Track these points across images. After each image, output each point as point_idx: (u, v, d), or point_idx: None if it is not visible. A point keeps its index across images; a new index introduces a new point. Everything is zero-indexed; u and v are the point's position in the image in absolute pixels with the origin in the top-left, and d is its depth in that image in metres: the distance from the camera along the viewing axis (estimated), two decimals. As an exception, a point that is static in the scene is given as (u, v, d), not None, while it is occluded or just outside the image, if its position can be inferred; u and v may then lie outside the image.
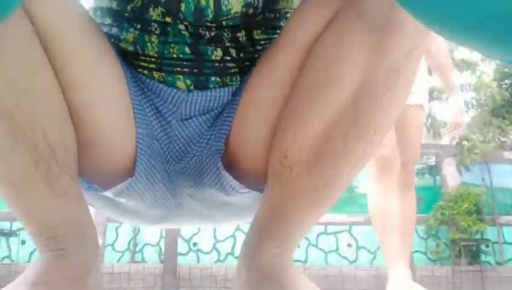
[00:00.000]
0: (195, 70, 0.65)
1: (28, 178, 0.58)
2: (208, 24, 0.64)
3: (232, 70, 0.67)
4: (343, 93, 0.56)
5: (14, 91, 0.50)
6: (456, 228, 7.94)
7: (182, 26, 0.65)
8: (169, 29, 0.65)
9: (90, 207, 0.80)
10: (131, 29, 0.66)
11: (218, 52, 0.66)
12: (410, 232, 1.99)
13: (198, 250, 7.81)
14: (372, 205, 1.87)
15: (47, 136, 0.54)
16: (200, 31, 0.65)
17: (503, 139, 9.69)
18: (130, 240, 7.93)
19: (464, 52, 8.08)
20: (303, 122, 0.57)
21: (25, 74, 0.51)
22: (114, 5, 0.67)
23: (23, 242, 7.82)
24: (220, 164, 0.65)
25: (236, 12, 0.65)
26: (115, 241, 7.94)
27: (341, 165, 0.58)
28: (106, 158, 0.64)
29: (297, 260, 7.85)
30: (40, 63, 0.52)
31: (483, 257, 7.96)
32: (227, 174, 0.65)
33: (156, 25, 0.64)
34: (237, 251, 7.86)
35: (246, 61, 0.68)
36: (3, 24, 0.44)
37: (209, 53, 0.65)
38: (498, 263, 8.02)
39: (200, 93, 0.65)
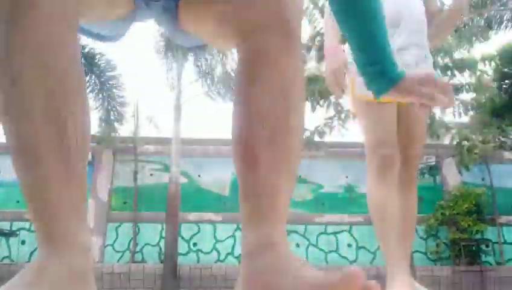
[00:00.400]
0: None
1: (52, 153, 0.61)
2: None
3: None
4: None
5: (51, 76, 0.61)
6: (456, 228, 7.94)
7: None
8: None
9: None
10: None
11: None
12: (411, 231, 1.94)
13: (198, 250, 7.82)
14: (372, 204, 1.82)
15: (74, 120, 0.62)
16: None
17: (503, 139, 9.70)
18: (130, 240, 7.93)
19: (463, 53, 8.08)
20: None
21: (62, 66, 0.63)
22: None
23: (23, 242, 7.83)
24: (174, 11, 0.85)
25: None
26: (115, 241, 7.94)
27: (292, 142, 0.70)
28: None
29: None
30: (72, 60, 0.65)
31: (483, 257, 7.96)
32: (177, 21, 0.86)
33: None
34: (237, 251, 7.87)
35: None
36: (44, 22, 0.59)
37: None
38: (498, 263, 8.02)
39: None
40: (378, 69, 0.95)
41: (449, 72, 7.66)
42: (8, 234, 7.59)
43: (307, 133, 7.90)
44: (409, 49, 1.76)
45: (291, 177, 0.70)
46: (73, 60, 0.65)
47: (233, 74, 8.50)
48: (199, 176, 8.40)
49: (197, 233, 7.96)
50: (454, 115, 7.96)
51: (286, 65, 0.73)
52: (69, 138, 0.61)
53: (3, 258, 7.64)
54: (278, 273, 0.57)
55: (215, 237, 7.89)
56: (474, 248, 7.91)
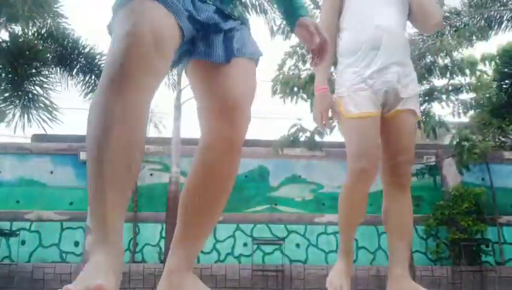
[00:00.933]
0: None
1: (119, 177, 0.99)
2: None
3: None
4: None
5: (129, 127, 1.00)
6: (456, 228, 7.94)
7: None
8: None
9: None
10: None
11: None
12: (409, 234, 2.04)
13: (198, 250, 7.82)
14: (342, 208, 2.01)
15: (138, 162, 1.03)
16: None
17: (503, 139, 9.69)
18: (130, 240, 7.93)
19: (463, 53, 8.08)
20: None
21: (141, 126, 1.05)
22: None
23: (23, 242, 7.83)
24: None
25: None
26: (115, 241, 7.93)
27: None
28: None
29: (297, 260, 7.86)
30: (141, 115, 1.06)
31: (483, 257, 7.96)
32: None
33: None
34: (237, 251, 7.88)
35: None
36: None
37: None
38: (498, 263, 8.02)
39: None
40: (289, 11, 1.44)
41: (449, 72, 7.65)
42: (8, 234, 7.59)
43: (307, 133, 7.90)
44: (390, 68, 1.91)
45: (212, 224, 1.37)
46: (145, 122, 1.06)
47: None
48: (199, 176, 8.41)
49: (197, 233, 7.96)
50: (454, 115, 7.95)
51: (228, 171, 1.33)
52: (131, 174, 1.02)
53: (3, 258, 7.64)
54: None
55: (215, 237, 7.89)
56: (474, 248, 7.91)
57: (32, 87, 7.32)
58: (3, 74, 7.20)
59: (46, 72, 7.58)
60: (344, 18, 2.05)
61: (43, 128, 7.24)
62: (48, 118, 7.28)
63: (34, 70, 7.33)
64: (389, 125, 1.96)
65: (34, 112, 7.21)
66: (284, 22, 1.84)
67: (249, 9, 8.22)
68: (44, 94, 7.33)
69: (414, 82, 2.00)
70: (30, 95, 7.18)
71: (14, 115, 7.14)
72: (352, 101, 1.91)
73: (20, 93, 7.09)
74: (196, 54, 1.26)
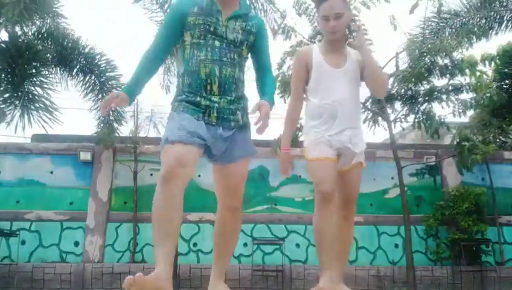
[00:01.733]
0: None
1: (171, 236, 1.92)
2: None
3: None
4: None
5: (176, 212, 1.94)
6: (456, 228, 7.94)
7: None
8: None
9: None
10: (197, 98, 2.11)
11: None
12: (346, 252, 2.70)
13: (198, 250, 7.82)
14: (315, 228, 2.43)
15: (177, 228, 1.96)
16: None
17: (503, 139, 9.69)
18: (130, 240, 7.93)
19: (463, 53, 8.08)
20: None
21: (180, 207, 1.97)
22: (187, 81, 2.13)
23: (23, 242, 7.82)
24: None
25: (231, 40, 2.14)
26: (115, 241, 7.94)
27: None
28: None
29: (297, 260, 7.86)
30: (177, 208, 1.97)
31: (483, 257, 7.95)
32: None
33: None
34: (237, 251, 7.87)
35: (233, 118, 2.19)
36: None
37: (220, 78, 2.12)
38: (498, 263, 8.02)
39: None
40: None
41: (449, 72, 7.65)
42: (8, 234, 7.59)
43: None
44: (344, 132, 2.50)
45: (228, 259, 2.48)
46: (181, 204, 1.95)
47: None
48: (199, 176, 8.39)
49: (197, 233, 7.96)
50: (454, 115, 7.95)
51: (235, 227, 2.37)
52: (175, 236, 1.93)
53: (3, 258, 7.64)
54: None
55: (215, 237, 7.89)
56: (474, 248, 7.91)
57: (32, 88, 7.31)
58: (3, 75, 7.19)
59: (46, 73, 7.57)
60: (310, 85, 2.58)
61: (43, 128, 7.23)
62: (48, 118, 7.27)
63: (33, 71, 7.32)
64: (344, 177, 2.56)
65: (34, 112, 7.20)
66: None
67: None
68: (44, 94, 7.32)
69: (362, 141, 2.59)
70: (30, 96, 7.17)
71: (14, 116, 7.13)
72: (314, 149, 2.50)
73: (19, 93, 7.08)
74: (212, 158, 2.18)
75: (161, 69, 9.12)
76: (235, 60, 2.10)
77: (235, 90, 2.12)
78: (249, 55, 2.25)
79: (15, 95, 7.10)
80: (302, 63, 2.57)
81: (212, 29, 2.06)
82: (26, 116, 7.11)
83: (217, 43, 2.06)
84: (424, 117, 7.81)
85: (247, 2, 2.30)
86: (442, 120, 7.67)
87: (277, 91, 7.27)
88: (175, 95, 2.20)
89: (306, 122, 2.62)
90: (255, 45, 2.22)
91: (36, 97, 7.23)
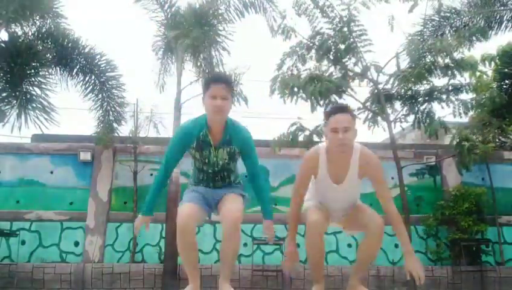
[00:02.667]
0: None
1: (193, 265, 2.89)
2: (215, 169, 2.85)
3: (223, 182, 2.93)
4: None
5: (193, 249, 2.85)
6: (456, 228, 7.93)
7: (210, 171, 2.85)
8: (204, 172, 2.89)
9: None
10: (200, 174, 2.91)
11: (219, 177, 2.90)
12: (365, 260, 3.01)
13: (199, 250, 7.81)
14: (306, 245, 2.89)
15: (196, 257, 2.91)
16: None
17: (503, 139, 9.69)
18: (130, 240, 7.93)
19: (464, 53, 8.07)
20: None
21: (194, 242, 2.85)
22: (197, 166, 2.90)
23: (23, 242, 7.82)
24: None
25: (222, 165, 2.82)
26: (115, 241, 7.94)
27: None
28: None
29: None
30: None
31: (483, 257, 7.95)
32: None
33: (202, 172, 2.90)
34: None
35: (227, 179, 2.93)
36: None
37: (216, 178, 2.90)
38: (498, 263, 8.02)
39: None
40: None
41: (449, 72, 7.64)
42: (8, 234, 7.59)
43: (306, 133, 7.89)
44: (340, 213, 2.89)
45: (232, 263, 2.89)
46: (196, 243, 2.82)
47: (232, 74, 8.49)
48: (199, 176, 8.41)
49: (197, 233, 7.91)
50: (454, 115, 7.94)
51: (236, 237, 2.73)
52: (196, 262, 2.88)
53: (3, 258, 7.64)
54: None
55: (215, 237, 7.89)
56: (474, 248, 7.90)
57: (30, 88, 7.30)
58: (1, 74, 7.18)
59: (45, 73, 7.56)
60: (314, 183, 2.88)
61: (40, 128, 7.21)
62: (45, 118, 7.25)
63: (32, 71, 7.31)
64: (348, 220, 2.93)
65: (31, 112, 7.18)
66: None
67: (248, 9, 8.20)
68: (42, 95, 7.31)
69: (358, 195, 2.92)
70: (28, 96, 7.16)
71: (10, 115, 7.12)
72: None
73: (17, 93, 7.07)
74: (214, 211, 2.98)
75: (157, 69, 9.14)
76: (225, 176, 2.87)
77: (227, 184, 2.93)
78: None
79: (13, 94, 7.08)
80: (309, 168, 2.79)
81: (206, 161, 2.77)
82: (23, 116, 7.09)
83: (210, 169, 2.81)
84: (424, 117, 7.80)
85: (230, 123, 2.71)
86: (441, 120, 7.67)
87: (276, 92, 7.29)
88: (191, 179, 3.05)
89: (307, 201, 2.95)
90: (242, 155, 2.79)
91: (34, 97, 7.22)
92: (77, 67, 8.31)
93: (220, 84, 2.58)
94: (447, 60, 7.53)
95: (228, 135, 2.69)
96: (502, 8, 8.07)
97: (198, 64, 8.75)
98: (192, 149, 2.75)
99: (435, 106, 7.89)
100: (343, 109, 2.65)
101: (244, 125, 2.80)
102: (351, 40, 7.33)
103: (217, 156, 2.74)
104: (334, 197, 2.79)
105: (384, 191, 2.80)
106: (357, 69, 7.68)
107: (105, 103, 8.33)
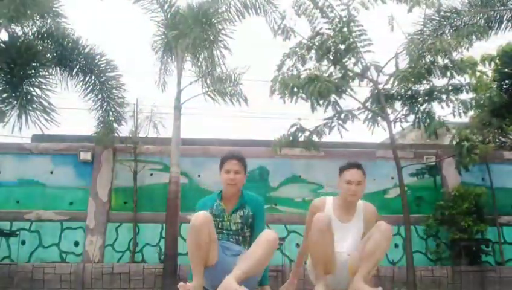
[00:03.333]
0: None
1: (199, 262, 2.70)
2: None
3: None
4: None
5: (202, 250, 2.68)
6: (456, 228, 7.93)
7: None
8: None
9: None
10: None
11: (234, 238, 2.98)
12: (375, 254, 2.90)
13: (198, 250, 7.82)
14: (310, 243, 2.88)
15: (206, 256, 2.73)
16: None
17: (503, 139, 9.69)
18: (130, 240, 7.93)
19: (463, 53, 8.07)
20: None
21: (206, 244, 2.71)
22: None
23: (23, 242, 7.82)
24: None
25: (235, 230, 2.98)
26: (115, 241, 7.94)
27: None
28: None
29: (297, 260, 7.86)
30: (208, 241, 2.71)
31: (483, 257, 7.95)
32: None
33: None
34: (237, 251, 7.87)
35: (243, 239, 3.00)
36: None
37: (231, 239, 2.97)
38: (498, 263, 8.02)
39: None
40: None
41: (448, 74, 7.64)
42: (8, 234, 7.59)
43: (306, 133, 7.89)
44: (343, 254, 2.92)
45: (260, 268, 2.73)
46: (207, 244, 2.70)
47: (232, 74, 8.49)
48: (199, 176, 8.40)
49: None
50: (454, 115, 7.94)
51: (266, 247, 2.64)
52: (203, 260, 2.69)
53: (3, 258, 7.64)
54: None
55: (215, 237, 7.89)
56: (474, 248, 7.90)
57: (31, 88, 7.29)
58: (2, 74, 7.17)
59: (45, 73, 7.55)
60: None
61: (40, 129, 7.21)
62: (45, 119, 7.24)
63: (32, 71, 7.30)
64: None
65: (31, 112, 7.17)
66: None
67: (249, 10, 8.19)
68: (43, 95, 7.30)
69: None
70: (28, 96, 7.15)
71: (11, 116, 7.11)
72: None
73: (17, 93, 7.07)
74: None
75: (157, 68, 9.14)
76: (240, 240, 2.95)
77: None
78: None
79: (13, 95, 7.08)
80: (317, 211, 3.00)
81: (220, 226, 2.95)
82: (23, 117, 7.09)
83: (224, 235, 2.94)
84: (424, 117, 7.80)
85: (245, 193, 3.05)
86: (441, 120, 7.67)
87: (276, 92, 7.29)
88: None
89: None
90: (253, 218, 2.98)
91: (34, 98, 7.21)
92: (77, 67, 8.30)
93: (233, 160, 3.02)
94: (446, 61, 7.53)
95: (242, 202, 2.99)
96: (502, 8, 8.07)
97: (199, 64, 8.75)
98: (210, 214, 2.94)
99: (435, 106, 7.89)
100: (358, 166, 3.02)
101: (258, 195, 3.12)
102: (351, 40, 7.33)
103: (230, 220, 2.94)
104: (342, 236, 2.95)
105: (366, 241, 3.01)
106: (357, 69, 7.68)
107: (105, 103, 8.32)
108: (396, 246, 8.12)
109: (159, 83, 9.13)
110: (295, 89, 7.13)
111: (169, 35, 8.10)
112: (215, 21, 8.00)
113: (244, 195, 3.03)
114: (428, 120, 7.68)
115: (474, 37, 7.58)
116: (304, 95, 7.17)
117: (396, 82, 7.66)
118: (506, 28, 8.23)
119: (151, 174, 8.26)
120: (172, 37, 8.04)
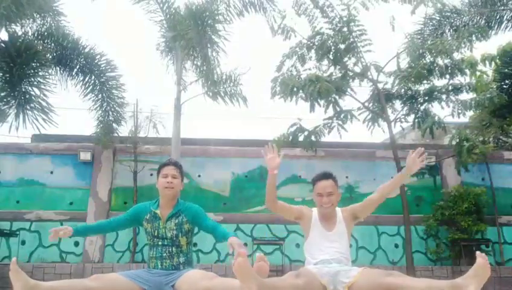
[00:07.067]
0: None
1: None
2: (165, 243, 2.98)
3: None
4: None
5: None
6: (456, 228, 7.93)
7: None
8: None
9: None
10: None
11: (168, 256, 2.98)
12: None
13: (198, 250, 7.81)
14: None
15: None
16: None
17: (503, 139, 9.69)
18: (130, 240, 7.93)
19: (464, 53, 8.07)
20: None
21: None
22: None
23: (23, 242, 7.82)
24: None
25: (170, 237, 2.97)
26: (115, 241, 7.94)
27: None
28: None
29: (297, 260, 7.85)
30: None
31: (483, 257, 7.93)
32: None
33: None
34: (237, 251, 7.87)
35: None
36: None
37: (165, 255, 2.98)
38: (498, 263, 8.02)
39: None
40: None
41: (447, 75, 7.65)
42: (8, 234, 7.59)
43: (305, 133, 7.90)
44: (331, 263, 2.89)
45: None
46: None
47: (232, 74, 8.48)
48: (199, 176, 8.40)
49: (197, 233, 7.93)
50: (452, 115, 7.95)
51: None
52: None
53: (3, 258, 7.64)
54: None
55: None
56: (474, 248, 7.90)
57: (29, 88, 7.28)
58: (1, 73, 7.17)
59: (44, 73, 7.54)
60: (308, 242, 3.10)
61: (38, 129, 7.20)
62: (43, 119, 7.23)
63: (31, 71, 7.30)
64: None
65: (29, 112, 7.17)
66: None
67: (248, 7, 8.17)
68: (41, 95, 7.29)
69: (353, 270, 2.80)
70: (26, 96, 7.14)
71: (8, 115, 7.10)
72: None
73: (16, 93, 7.06)
74: None
75: (157, 69, 9.10)
76: (173, 252, 2.94)
77: (175, 268, 2.91)
78: (195, 228, 3.08)
79: (11, 94, 7.07)
80: (303, 209, 3.16)
81: (155, 233, 2.98)
82: (21, 116, 7.08)
83: (159, 242, 2.96)
84: (424, 117, 7.81)
85: (182, 202, 3.07)
86: (439, 120, 7.68)
87: (277, 94, 7.30)
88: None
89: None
90: (197, 223, 3.03)
91: (33, 98, 7.20)
92: (77, 67, 8.30)
93: (170, 166, 3.07)
94: (447, 61, 7.54)
95: (178, 209, 3.03)
96: (502, 8, 8.07)
97: (198, 64, 8.74)
98: (145, 222, 3.05)
99: (435, 106, 7.90)
100: (328, 177, 3.06)
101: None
102: (351, 40, 7.34)
103: (165, 227, 2.98)
104: (329, 244, 3.02)
105: (364, 200, 3.15)
106: (357, 69, 7.69)
107: (105, 103, 8.32)
108: (396, 246, 8.13)
109: (159, 83, 9.08)
110: (295, 89, 7.14)
111: (168, 36, 8.10)
112: (211, 22, 7.99)
113: (180, 203, 3.07)
114: (425, 118, 7.70)
115: (474, 36, 7.59)
116: (303, 95, 7.18)
117: (397, 82, 7.67)
118: (506, 28, 8.22)
119: (151, 174, 8.25)
120: (171, 38, 8.04)
